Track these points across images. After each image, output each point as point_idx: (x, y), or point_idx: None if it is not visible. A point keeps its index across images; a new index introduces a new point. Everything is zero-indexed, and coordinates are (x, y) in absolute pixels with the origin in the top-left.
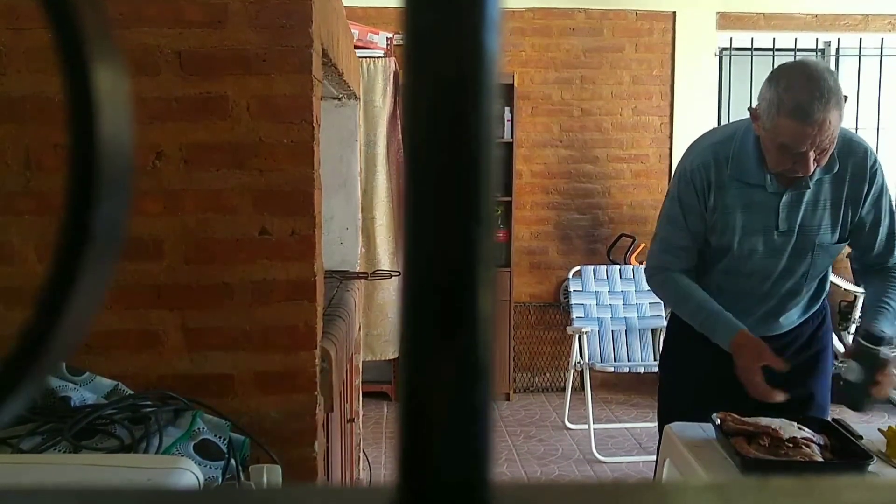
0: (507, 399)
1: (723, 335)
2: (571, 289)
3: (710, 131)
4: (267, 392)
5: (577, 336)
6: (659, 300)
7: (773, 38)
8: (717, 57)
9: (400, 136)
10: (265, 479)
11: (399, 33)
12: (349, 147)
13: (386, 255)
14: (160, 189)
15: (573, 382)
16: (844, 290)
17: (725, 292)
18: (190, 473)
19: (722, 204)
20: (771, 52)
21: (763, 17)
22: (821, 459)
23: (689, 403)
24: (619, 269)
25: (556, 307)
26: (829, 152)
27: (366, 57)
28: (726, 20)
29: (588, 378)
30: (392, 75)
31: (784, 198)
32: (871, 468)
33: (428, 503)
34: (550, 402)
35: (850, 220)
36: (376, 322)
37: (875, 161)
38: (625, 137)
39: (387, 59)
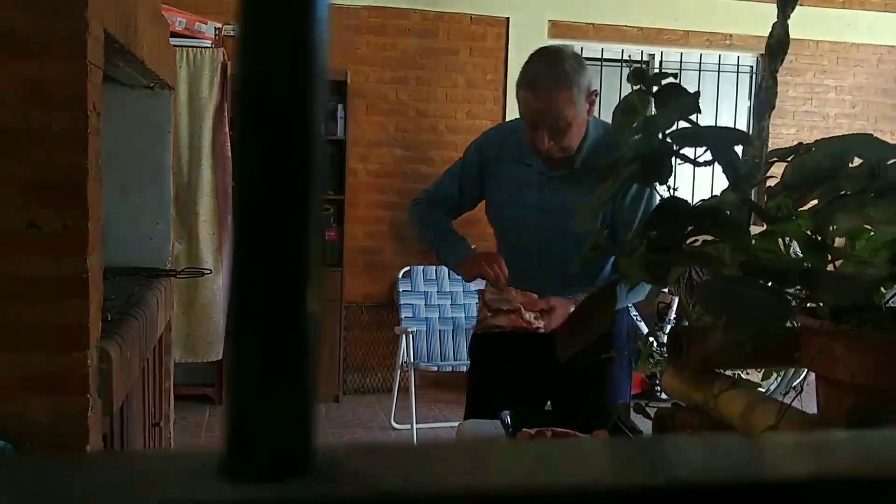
0: (337, 401)
1: (455, 252)
2: (401, 289)
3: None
4: (34, 395)
5: (403, 336)
6: None
7: (602, 49)
8: None
9: (227, 129)
10: None
11: (229, 24)
12: (161, 139)
13: (209, 253)
14: None
15: (401, 382)
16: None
17: (508, 267)
18: None
19: (498, 179)
20: (599, 63)
21: (593, 27)
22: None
23: (493, 402)
24: (449, 270)
25: (391, 307)
26: (569, 135)
27: (192, 46)
28: (558, 29)
29: (413, 378)
30: (220, 66)
31: (548, 179)
32: None
33: (252, 464)
34: (381, 402)
35: (609, 212)
36: (198, 323)
37: None
38: (459, 140)
39: (215, 49)
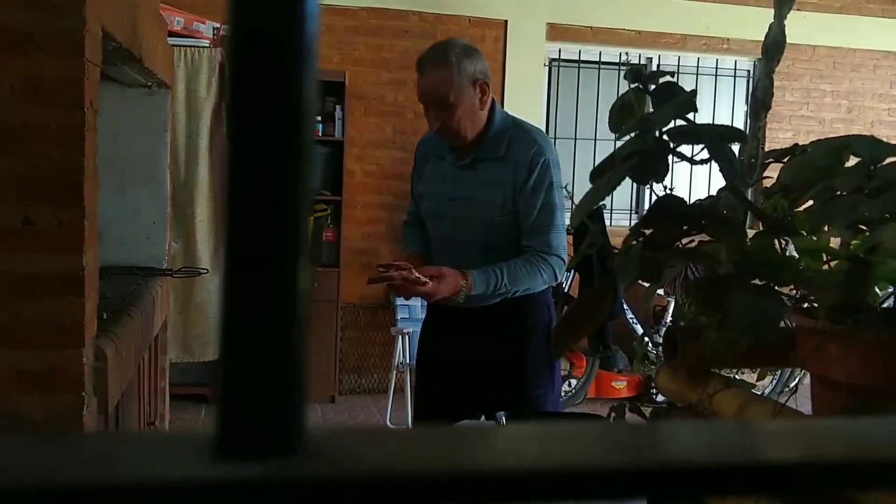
0: (332, 401)
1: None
2: None
3: None
4: (28, 392)
5: (399, 337)
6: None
7: (600, 52)
8: (546, 67)
9: (224, 128)
10: None
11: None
12: (158, 138)
13: (206, 253)
14: None
15: (396, 383)
16: (658, 294)
17: (436, 260)
18: None
19: (426, 172)
20: (597, 66)
21: (591, 30)
22: None
23: (438, 402)
24: None
25: (387, 308)
26: (455, 118)
27: (190, 46)
28: (556, 31)
29: (409, 378)
30: (218, 66)
31: (456, 170)
32: None
33: (240, 444)
34: (376, 403)
35: (509, 203)
36: (195, 322)
37: (541, 157)
38: None
39: (213, 49)
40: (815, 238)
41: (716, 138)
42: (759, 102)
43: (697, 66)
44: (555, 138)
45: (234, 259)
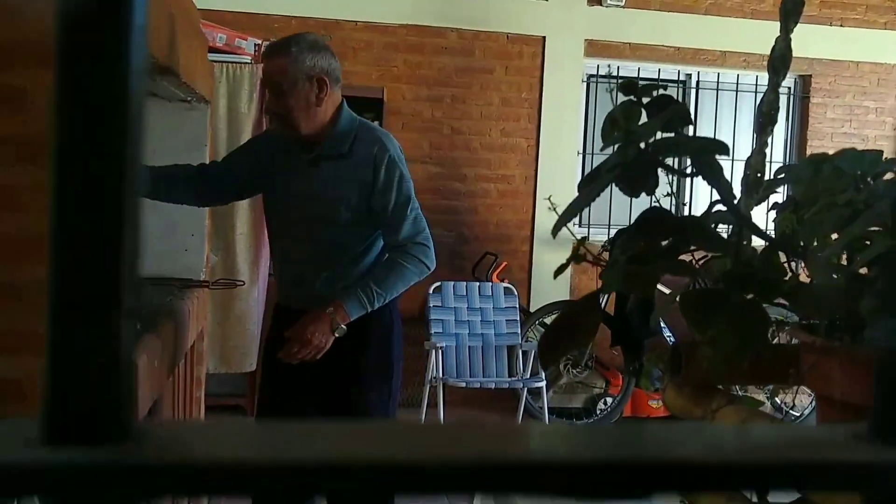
0: None
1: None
2: (431, 304)
3: None
4: None
5: (433, 351)
6: (515, 318)
7: (638, 68)
8: (584, 83)
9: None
10: None
11: (269, 40)
12: (197, 152)
13: (245, 265)
14: None
15: (429, 397)
16: None
17: (273, 252)
18: None
19: (267, 167)
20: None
21: (629, 46)
22: None
23: (278, 404)
24: (479, 286)
25: (421, 322)
26: (286, 104)
27: (232, 62)
28: (594, 48)
29: (441, 393)
30: (259, 82)
31: (301, 165)
32: None
33: (67, 430)
34: (409, 417)
35: (356, 201)
36: (232, 333)
37: (385, 153)
38: (493, 158)
39: (254, 65)
40: (819, 254)
41: (699, 151)
42: (765, 116)
43: (737, 83)
44: (591, 154)
45: (59, 249)
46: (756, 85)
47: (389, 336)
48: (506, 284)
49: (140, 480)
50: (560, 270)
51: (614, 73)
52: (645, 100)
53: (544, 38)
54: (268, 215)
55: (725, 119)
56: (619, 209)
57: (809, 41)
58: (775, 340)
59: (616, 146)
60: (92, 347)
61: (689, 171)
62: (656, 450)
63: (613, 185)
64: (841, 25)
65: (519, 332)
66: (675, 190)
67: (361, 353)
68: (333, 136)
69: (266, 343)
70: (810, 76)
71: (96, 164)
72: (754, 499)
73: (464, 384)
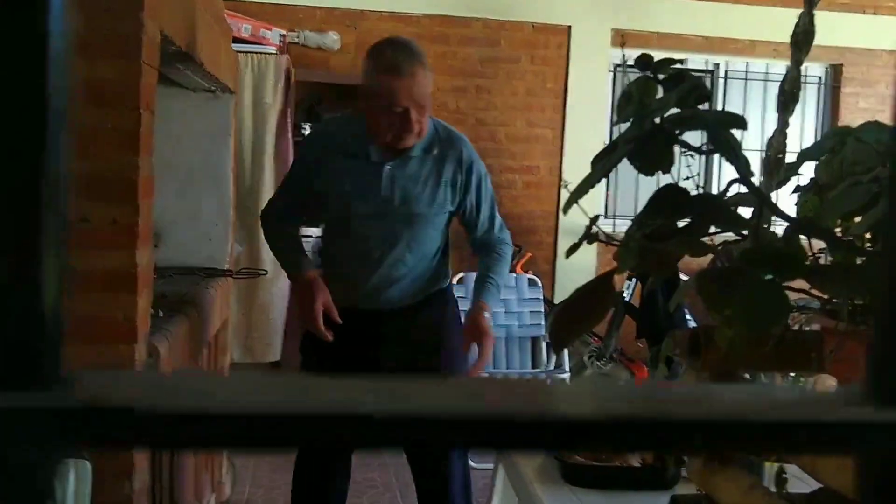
0: None
1: (290, 272)
2: (455, 295)
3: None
4: None
5: None
6: (539, 310)
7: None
8: (611, 73)
9: (290, 134)
10: (72, 477)
11: (293, 31)
12: (221, 141)
13: (269, 255)
14: None
15: None
16: None
17: (341, 259)
18: None
19: (330, 172)
20: None
21: (656, 35)
22: (637, 464)
23: None
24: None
25: None
26: (427, 113)
27: (257, 52)
28: (621, 37)
29: None
30: (284, 72)
31: (386, 168)
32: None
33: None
34: None
35: (449, 199)
36: (257, 324)
37: (471, 154)
38: (517, 149)
39: (279, 55)
40: (842, 233)
41: (716, 125)
42: (787, 95)
43: (766, 73)
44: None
45: None
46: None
47: (459, 323)
48: (530, 276)
49: (55, 423)
50: (572, 250)
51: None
52: (661, 76)
53: (570, 27)
54: (337, 218)
55: (754, 109)
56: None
57: (841, 29)
58: (795, 327)
59: (630, 120)
60: (18, 295)
61: (705, 147)
62: (650, 408)
63: (634, 169)
64: (874, 13)
65: (543, 323)
66: (697, 171)
67: (439, 349)
68: (425, 136)
69: (322, 348)
70: (842, 65)
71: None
72: (772, 488)
73: (487, 374)
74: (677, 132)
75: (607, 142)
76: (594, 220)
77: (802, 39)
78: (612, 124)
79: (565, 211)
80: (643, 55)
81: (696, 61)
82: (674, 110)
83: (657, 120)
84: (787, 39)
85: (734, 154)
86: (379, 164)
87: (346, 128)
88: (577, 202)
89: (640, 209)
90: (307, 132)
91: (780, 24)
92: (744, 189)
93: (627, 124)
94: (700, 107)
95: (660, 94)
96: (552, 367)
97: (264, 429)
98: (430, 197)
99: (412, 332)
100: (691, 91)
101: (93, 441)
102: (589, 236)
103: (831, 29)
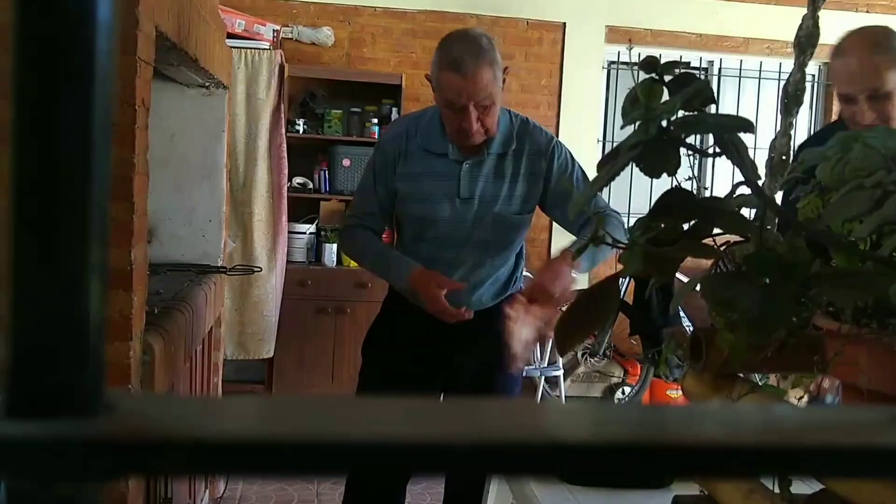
0: None
1: (399, 274)
2: None
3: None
4: None
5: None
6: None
7: (660, 55)
8: (605, 70)
9: (283, 130)
10: None
11: (287, 26)
12: (215, 137)
13: (263, 252)
14: None
15: None
16: None
17: (421, 261)
18: None
19: (408, 171)
20: None
21: (651, 33)
22: None
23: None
24: None
25: None
26: (494, 114)
27: (251, 48)
28: (615, 34)
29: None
30: (277, 68)
31: (465, 166)
32: None
33: (32, 403)
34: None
35: (532, 194)
36: (251, 320)
37: (552, 141)
38: None
39: (273, 51)
40: (847, 237)
41: (722, 128)
42: (791, 97)
43: (760, 70)
44: (612, 142)
45: (22, 224)
46: (779, 72)
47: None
48: (524, 273)
49: (96, 457)
50: (580, 251)
51: (635, 60)
52: (667, 78)
53: (564, 24)
54: (418, 218)
55: (748, 106)
56: (639, 199)
57: (835, 27)
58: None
59: (636, 124)
60: (57, 323)
61: (712, 150)
62: (678, 432)
63: (638, 170)
64: (867, 12)
65: None
66: (696, 173)
67: (496, 358)
68: (501, 132)
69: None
70: None
71: (59, 110)
72: (776, 490)
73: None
74: (683, 135)
75: (601, 138)
76: (601, 220)
77: (806, 42)
78: (624, 123)
79: (572, 215)
80: (649, 57)
81: (689, 58)
82: (679, 113)
83: (663, 123)
84: (781, 37)
85: (741, 159)
86: (458, 161)
87: (426, 121)
88: (584, 206)
89: (633, 207)
90: (388, 125)
91: (774, 21)
92: (747, 190)
93: (625, 123)
94: (705, 109)
95: (664, 96)
96: (545, 365)
97: (334, 455)
98: (508, 195)
99: (488, 335)
100: (696, 94)
101: (146, 472)
102: (595, 238)
103: (824, 27)
